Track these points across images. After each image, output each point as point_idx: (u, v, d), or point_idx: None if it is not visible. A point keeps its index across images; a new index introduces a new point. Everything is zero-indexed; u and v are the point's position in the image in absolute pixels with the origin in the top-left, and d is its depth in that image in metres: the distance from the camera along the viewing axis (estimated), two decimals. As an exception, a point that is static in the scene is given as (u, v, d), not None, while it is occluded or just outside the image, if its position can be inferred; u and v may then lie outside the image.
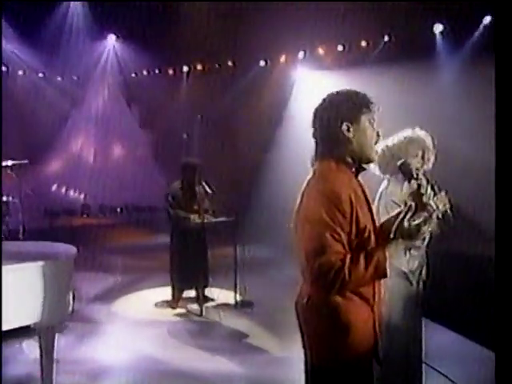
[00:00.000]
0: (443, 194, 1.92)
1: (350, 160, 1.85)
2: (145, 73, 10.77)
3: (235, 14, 8.96)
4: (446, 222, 1.89)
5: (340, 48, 8.17)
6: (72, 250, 3.30)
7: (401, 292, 2.61)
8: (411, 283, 2.70)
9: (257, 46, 8.77)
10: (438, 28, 6.98)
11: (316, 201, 1.73)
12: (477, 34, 6.61)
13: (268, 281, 5.97)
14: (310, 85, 8.45)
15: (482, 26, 6.53)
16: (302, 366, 3.75)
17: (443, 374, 3.06)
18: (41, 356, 3.18)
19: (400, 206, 2.01)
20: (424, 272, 2.77)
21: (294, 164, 8.57)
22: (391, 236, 1.78)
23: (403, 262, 2.57)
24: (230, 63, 9.82)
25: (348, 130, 1.82)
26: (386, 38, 7.62)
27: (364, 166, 1.89)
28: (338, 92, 1.88)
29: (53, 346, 3.17)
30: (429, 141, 2.75)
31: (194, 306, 5.12)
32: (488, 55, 5.71)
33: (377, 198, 2.77)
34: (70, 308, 3.19)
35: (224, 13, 9.16)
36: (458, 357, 3.34)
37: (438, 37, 7.08)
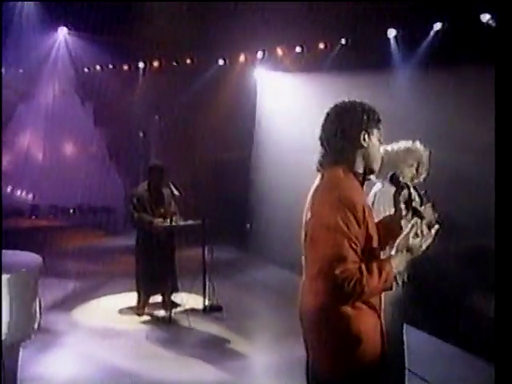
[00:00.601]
0: (429, 205, 2.00)
1: (359, 169, 1.86)
2: (98, 68, 10.33)
3: (193, 10, 8.78)
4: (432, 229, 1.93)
5: (298, 49, 8.20)
6: (37, 259, 3.08)
7: (390, 293, 2.63)
8: (397, 283, 2.74)
9: (216, 44, 8.65)
10: (392, 33, 7.16)
11: (331, 207, 1.70)
12: (428, 39, 6.86)
13: (235, 284, 5.90)
14: (270, 85, 8.46)
15: (432, 32, 6.79)
16: (275, 370, 3.74)
17: (422, 378, 3.12)
18: (1, 374, 2.94)
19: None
20: (405, 274, 2.82)
21: (257, 164, 8.55)
22: (394, 250, 1.81)
23: None
24: (188, 61, 9.62)
25: (364, 139, 1.84)
26: (343, 41, 7.73)
27: (368, 176, 1.91)
28: (354, 101, 1.89)
29: (17, 364, 2.95)
30: (425, 156, 2.82)
31: (161, 313, 4.96)
32: (440, 60, 5.99)
33: (371, 198, 2.81)
34: (37, 322, 2.97)
35: (182, 9, 8.95)
36: (438, 361, 3.42)
37: (392, 41, 7.28)
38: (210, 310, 4.96)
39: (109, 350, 4.16)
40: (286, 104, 7.71)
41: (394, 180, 2.01)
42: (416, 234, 1.81)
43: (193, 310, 4.97)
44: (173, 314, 4.78)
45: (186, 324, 4.68)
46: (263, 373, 3.86)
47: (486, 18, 6.20)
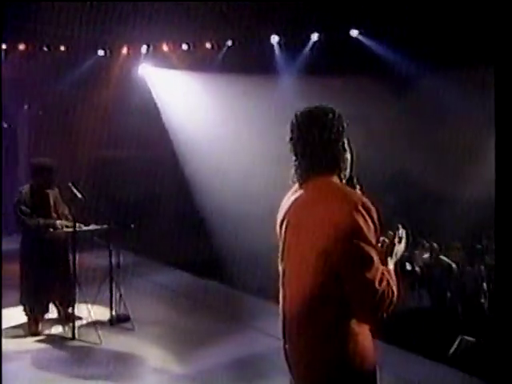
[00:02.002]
0: None
1: (342, 177, 1.78)
2: None
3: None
4: None
5: (185, 47, 8.05)
6: None
7: None
8: None
9: (95, 32, 7.97)
10: (275, 39, 7.47)
11: (353, 216, 1.58)
12: (307, 48, 7.34)
13: (135, 289, 5.48)
14: (159, 82, 8.17)
15: (311, 42, 7.28)
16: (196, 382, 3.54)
17: None
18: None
19: None
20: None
21: (146, 163, 8.10)
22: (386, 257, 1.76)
23: None
24: (62, 48, 8.69)
25: (344, 146, 1.77)
26: (230, 43, 7.80)
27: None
28: (328, 106, 1.79)
29: None
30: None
31: (60, 329, 4.38)
32: (316, 68, 6.40)
33: None
34: None
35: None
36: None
37: (276, 47, 7.60)
38: (118, 321, 4.55)
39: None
40: (181, 101, 7.51)
41: (351, 181, 2.10)
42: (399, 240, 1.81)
43: (99, 323, 4.47)
44: (76, 329, 4.24)
45: (93, 339, 4.20)
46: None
47: (354, 33, 6.89)
